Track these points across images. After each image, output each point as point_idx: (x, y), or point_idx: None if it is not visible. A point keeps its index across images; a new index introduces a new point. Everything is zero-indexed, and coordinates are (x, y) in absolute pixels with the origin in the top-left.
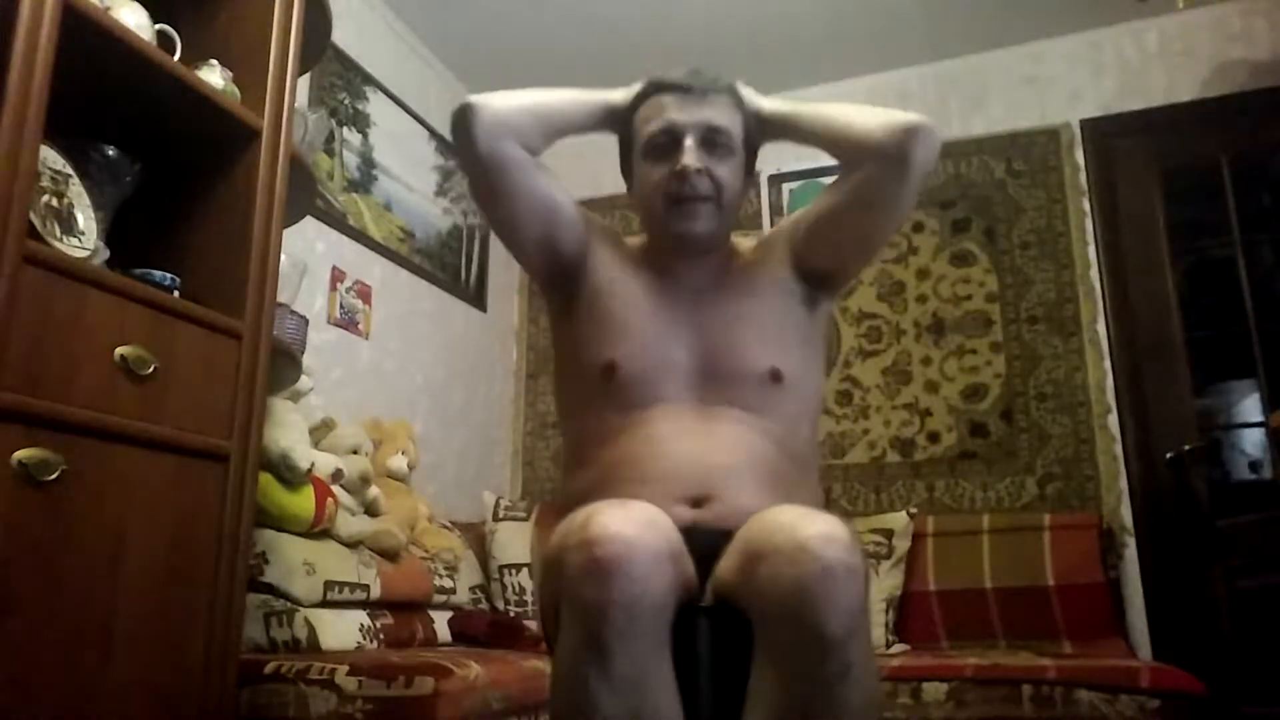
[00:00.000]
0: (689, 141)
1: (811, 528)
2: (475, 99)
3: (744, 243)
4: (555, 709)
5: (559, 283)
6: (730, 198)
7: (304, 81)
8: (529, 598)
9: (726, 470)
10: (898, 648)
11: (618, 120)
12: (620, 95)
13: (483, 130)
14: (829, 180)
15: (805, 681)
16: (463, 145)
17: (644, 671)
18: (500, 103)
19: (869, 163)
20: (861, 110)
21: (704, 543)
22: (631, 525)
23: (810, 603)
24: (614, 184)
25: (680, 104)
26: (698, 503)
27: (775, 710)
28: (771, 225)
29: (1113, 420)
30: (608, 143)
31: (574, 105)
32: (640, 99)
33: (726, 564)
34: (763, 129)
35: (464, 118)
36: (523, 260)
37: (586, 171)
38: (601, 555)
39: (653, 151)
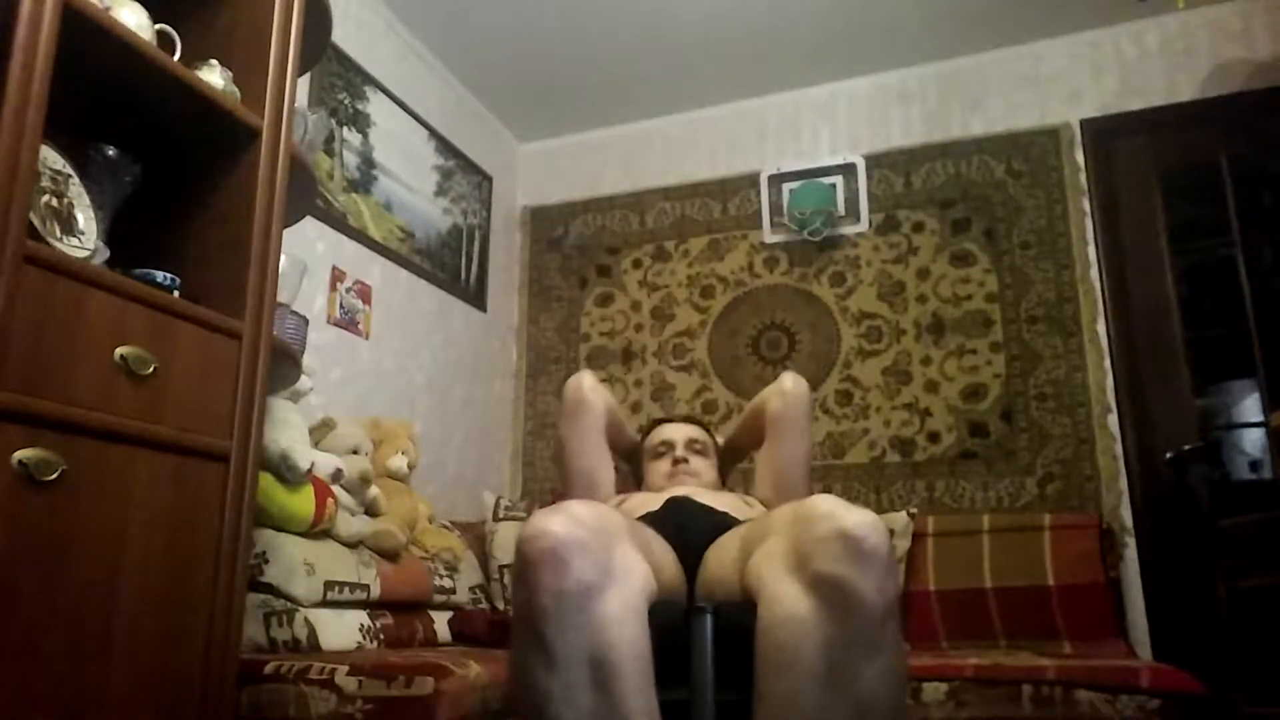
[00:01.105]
0: (679, 445)
1: (855, 515)
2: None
3: None
4: (511, 698)
5: None
6: (707, 480)
7: (304, 81)
8: None
9: (699, 486)
10: None
11: (635, 452)
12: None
13: (589, 384)
14: (826, 180)
15: (836, 654)
16: (573, 394)
17: (579, 652)
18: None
19: (768, 403)
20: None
21: (689, 511)
22: (555, 521)
23: (854, 582)
24: (611, 185)
25: (673, 428)
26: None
27: (805, 678)
28: (771, 224)
29: (1113, 420)
30: (606, 145)
31: (626, 423)
32: (650, 427)
33: (762, 550)
34: (726, 455)
35: (580, 377)
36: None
37: (586, 171)
38: (528, 551)
39: (656, 456)
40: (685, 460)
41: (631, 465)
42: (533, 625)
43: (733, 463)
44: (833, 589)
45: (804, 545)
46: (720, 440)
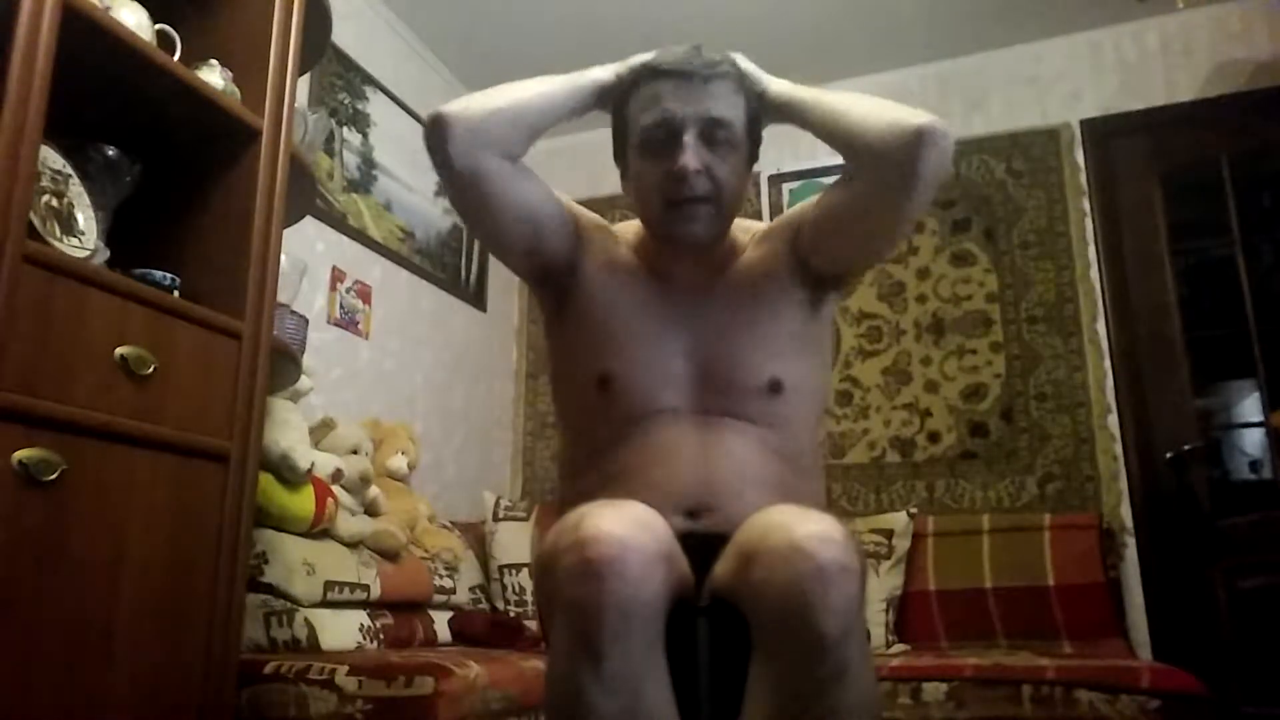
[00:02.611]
0: (688, 137)
1: (805, 527)
2: (448, 109)
3: (743, 235)
4: (549, 711)
5: (550, 286)
6: (731, 196)
7: (304, 81)
8: (529, 598)
9: (725, 484)
10: (898, 648)
11: (608, 99)
12: (609, 74)
13: (458, 146)
14: (826, 180)
15: (802, 682)
16: (438, 162)
17: (637, 672)
18: (476, 110)
19: (875, 170)
20: (872, 108)
21: (701, 544)
22: (623, 525)
23: (805, 603)
24: (613, 184)
25: (678, 92)
26: (694, 514)
27: (772, 711)
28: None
29: (1113, 420)
30: (606, 145)
31: (556, 97)
32: (634, 83)
33: (723, 566)
34: (768, 110)
35: (437, 131)
36: (511, 267)
37: (586, 171)
38: (594, 556)
39: (649, 146)
40: (698, 173)
41: (611, 121)
42: (590, 642)
43: (772, 122)
44: (779, 618)
45: (755, 567)
46: (769, 89)
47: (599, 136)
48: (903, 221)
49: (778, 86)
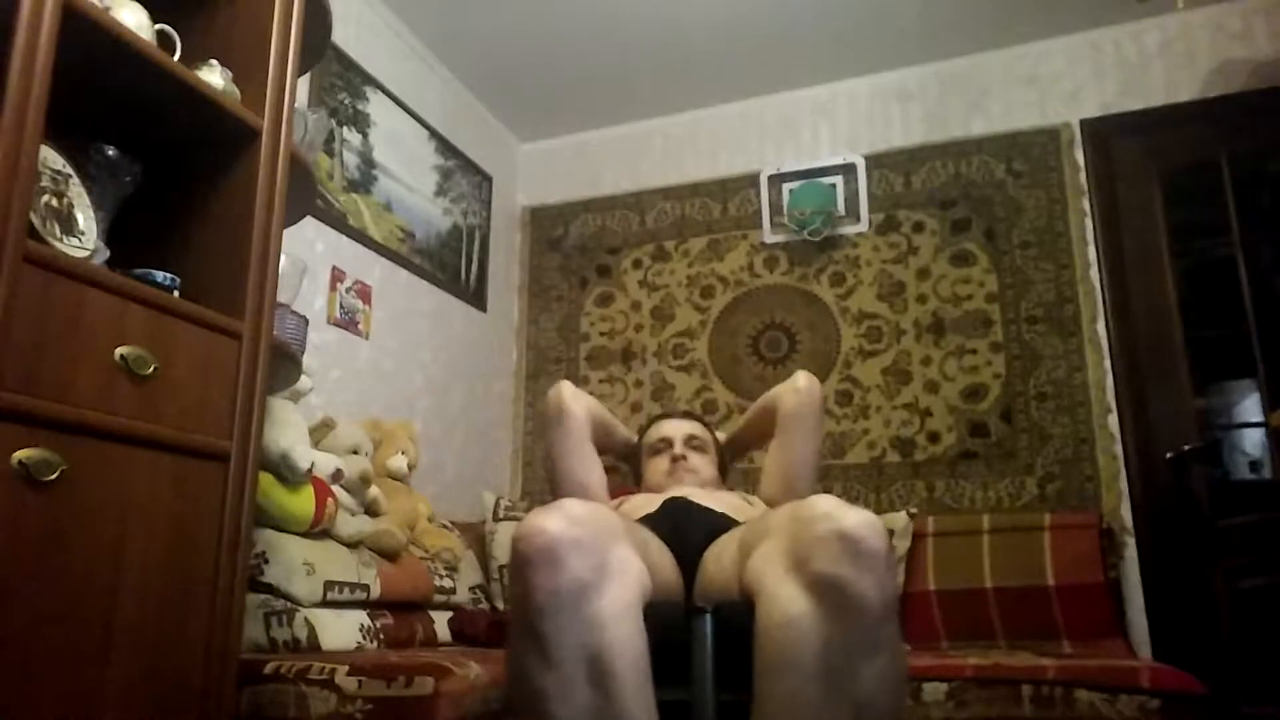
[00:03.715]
0: (677, 441)
1: (854, 516)
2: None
3: None
4: (509, 697)
5: None
6: (706, 477)
7: (304, 81)
8: None
9: (694, 488)
10: None
11: (632, 451)
12: (636, 437)
13: (569, 393)
14: (826, 180)
15: (834, 655)
16: (554, 404)
17: (575, 644)
18: (581, 392)
19: (781, 400)
20: (759, 399)
21: (687, 512)
22: (552, 520)
23: (853, 582)
24: (612, 184)
25: (671, 424)
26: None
27: (803, 680)
28: (770, 223)
29: (1113, 420)
30: (606, 145)
31: (616, 424)
32: (648, 424)
33: (760, 551)
34: (728, 452)
35: (560, 389)
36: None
37: (586, 171)
38: (524, 549)
39: (655, 451)
40: (684, 458)
41: (630, 465)
42: (529, 623)
43: (735, 460)
44: (831, 589)
45: (802, 546)
46: (722, 437)
47: (597, 137)
48: (810, 431)
49: (721, 435)
